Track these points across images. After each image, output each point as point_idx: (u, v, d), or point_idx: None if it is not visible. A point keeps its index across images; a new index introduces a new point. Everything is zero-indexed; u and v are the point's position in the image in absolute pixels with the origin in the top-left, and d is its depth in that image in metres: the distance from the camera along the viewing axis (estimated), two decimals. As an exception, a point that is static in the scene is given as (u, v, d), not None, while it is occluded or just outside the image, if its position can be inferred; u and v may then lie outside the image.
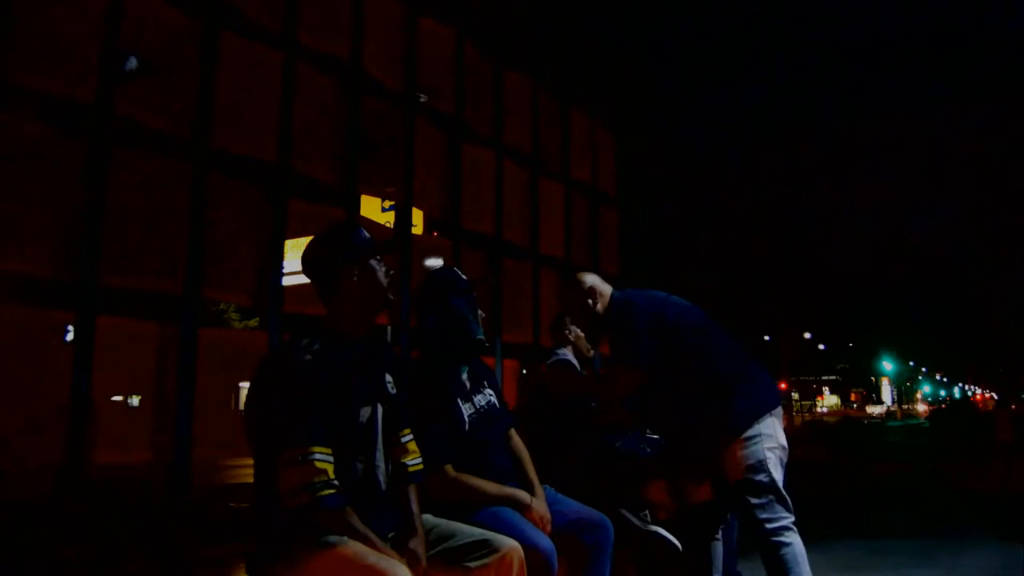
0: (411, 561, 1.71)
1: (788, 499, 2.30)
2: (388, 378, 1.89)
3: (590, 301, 2.68)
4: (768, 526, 2.28)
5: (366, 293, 1.84)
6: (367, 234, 1.89)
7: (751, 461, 2.31)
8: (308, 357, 1.70)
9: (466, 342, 2.40)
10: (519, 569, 1.89)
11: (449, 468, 2.32)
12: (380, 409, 1.84)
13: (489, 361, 3.11)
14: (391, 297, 1.89)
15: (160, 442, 2.76)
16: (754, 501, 2.29)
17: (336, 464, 1.65)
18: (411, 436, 1.97)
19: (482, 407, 2.53)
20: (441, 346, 2.41)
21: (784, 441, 2.39)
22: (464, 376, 2.46)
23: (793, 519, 2.28)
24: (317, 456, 1.61)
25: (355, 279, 1.83)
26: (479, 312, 2.47)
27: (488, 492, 2.35)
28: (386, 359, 1.92)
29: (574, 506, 2.71)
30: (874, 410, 64.66)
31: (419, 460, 1.95)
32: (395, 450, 1.91)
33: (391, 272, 1.90)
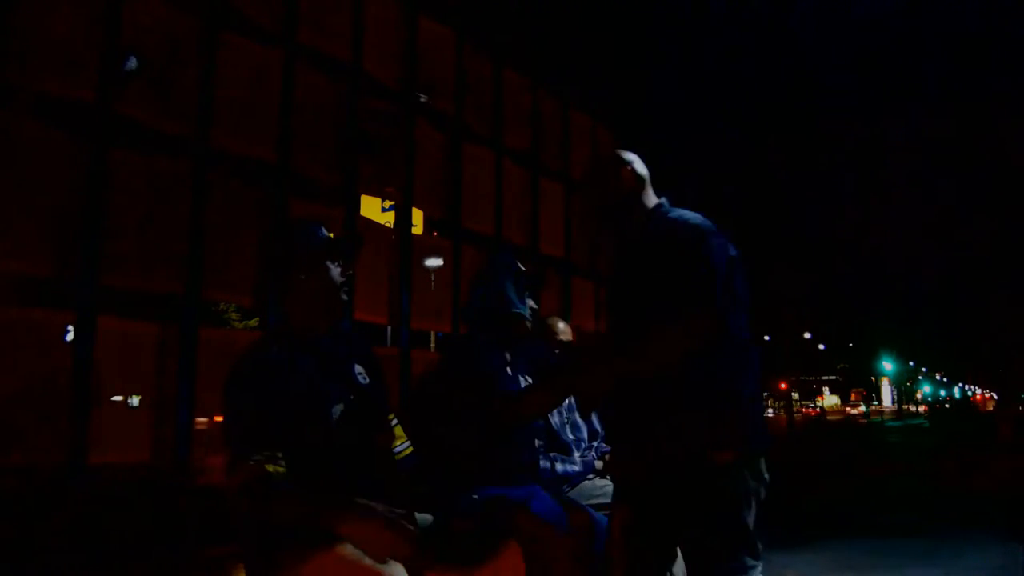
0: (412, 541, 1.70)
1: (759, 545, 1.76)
2: (359, 368, 1.87)
3: (627, 186, 1.95)
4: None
5: (316, 295, 1.79)
6: (324, 233, 1.81)
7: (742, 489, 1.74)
8: (268, 365, 1.68)
9: (503, 315, 2.40)
10: (517, 568, 1.89)
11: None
12: (355, 401, 1.81)
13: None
14: (344, 299, 1.83)
15: (160, 442, 2.75)
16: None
17: (321, 466, 1.65)
18: (396, 420, 1.95)
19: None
20: (481, 321, 2.44)
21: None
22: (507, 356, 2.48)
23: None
24: (260, 459, 1.59)
25: (303, 279, 1.78)
26: (527, 299, 2.48)
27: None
28: (355, 351, 1.89)
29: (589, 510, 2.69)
30: (917, 408, 67.21)
31: (407, 444, 1.93)
32: (380, 437, 1.89)
33: (349, 273, 1.84)
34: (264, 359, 1.68)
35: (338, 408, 1.76)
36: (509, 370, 2.48)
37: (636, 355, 1.79)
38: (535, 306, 2.56)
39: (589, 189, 2.04)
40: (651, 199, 2.00)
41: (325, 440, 1.71)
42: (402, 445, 1.93)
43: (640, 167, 2.00)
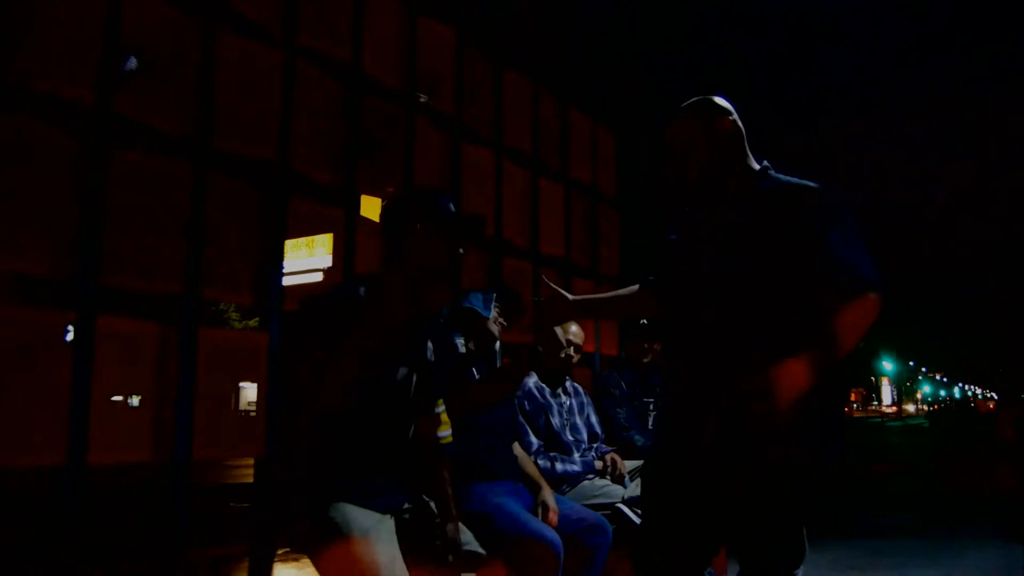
0: (451, 547, 1.73)
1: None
2: (429, 345, 1.91)
3: (727, 139, 1.76)
4: None
5: (425, 257, 1.78)
6: (452, 208, 1.83)
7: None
8: (356, 299, 1.74)
9: (466, 313, 2.61)
10: None
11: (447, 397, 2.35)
12: (415, 375, 1.85)
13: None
14: (448, 271, 1.81)
15: (160, 442, 2.75)
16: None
17: (365, 421, 1.69)
18: (444, 407, 1.98)
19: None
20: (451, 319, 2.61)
21: None
22: (461, 344, 2.61)
23: None
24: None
25: (419, 236, 1.78)
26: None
27: (490, 385, 2.40)
28: (435, 329, 1.93)
29: (576, 507, 2.72)
30: (917, 408, 67.76)
31: (450, 432, 1.95)
32: (427, 420, 1.91)
33: (462, 252, 1.83)
34: (345, 299, 1.72)
35: (403, 371, 1.78)
36: (474, 371, 2.58)
37: (829, 343, 1.51)
38: (504, 321, 2.72)
39: (684, 141, 1.79)
40: (752, 160, 1.80)
41: (383, 395, 1.73)
42: (445, 432, 1.94)
43: (739, 121, 1.79)
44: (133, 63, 2.74)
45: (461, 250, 1.82)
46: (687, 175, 1.80)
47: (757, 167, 1.80)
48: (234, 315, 18.94)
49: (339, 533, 1.58)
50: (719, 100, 1.80)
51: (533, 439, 2.91)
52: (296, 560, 4.29)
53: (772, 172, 1.79)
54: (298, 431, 1.69)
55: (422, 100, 4.26)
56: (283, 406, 1.74)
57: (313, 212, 3.47)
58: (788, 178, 1.75)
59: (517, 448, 2.77)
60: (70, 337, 2.55)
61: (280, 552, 3.89)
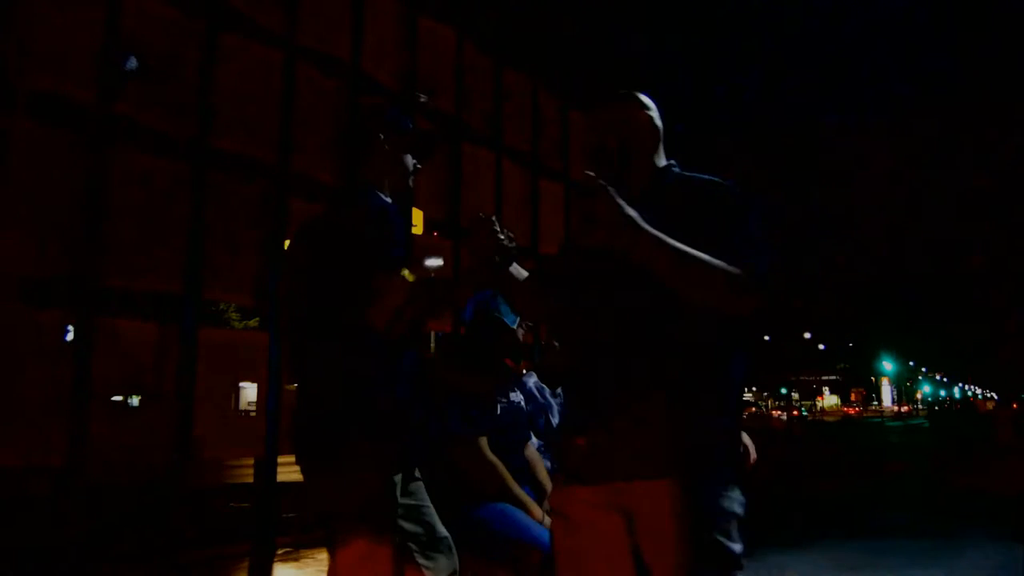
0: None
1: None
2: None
3: (643, 134, 1.71)
4: None
5: (388, 167, 1.91)
6: (410, 124, 1.98)
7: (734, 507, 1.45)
8: (369, 207, 1.81)
9: (492, 321, 2.57)
10: None
11: (484, 443, 2.34)
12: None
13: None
14: (411, 184, 1.96)
15: (159, 442, 2.75)
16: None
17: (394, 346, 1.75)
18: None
19: (514, 403, 2.60)
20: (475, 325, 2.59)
21: None
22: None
23: None
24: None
25: (382, 151, 1.90)
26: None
27: (510, 489, 2.38)
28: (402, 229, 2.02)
29: None
30: (916, 408, 68.02)
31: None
32: None
33: (417, 166, 1.98)
34: (369, 203, 1.82)
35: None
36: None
37: (690, 255, 1.42)
38: (524, 327, 2.70)
39: (600, 129, 1.75)
40: (661, 158, 1.74)
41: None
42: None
43: (659, 119, 1.75)
44: (133, 63, 2.74)
45: (418, 164, 1.96)
46: (596, 163, 1.72)
47: (662, 164, 1.75)
48: (234, 315, 18.96)
49: (383, 520, 1.59)
50: (642, 96, 1.78)
51: (533, 439, 2.91)
52: (296, 560, 4.29)
53: (676, 169, 1.74)
54: (331, 348, 1.71)
55: (422, 100, 4.26)
56: (300, 322, 1.76)
57: (313, 212, 3.47)
58: (696, 175, 1.70)
59: (531, 451, 2.76)
60: (70, 337, 2.55)
61: (280, 552, 3.89)
